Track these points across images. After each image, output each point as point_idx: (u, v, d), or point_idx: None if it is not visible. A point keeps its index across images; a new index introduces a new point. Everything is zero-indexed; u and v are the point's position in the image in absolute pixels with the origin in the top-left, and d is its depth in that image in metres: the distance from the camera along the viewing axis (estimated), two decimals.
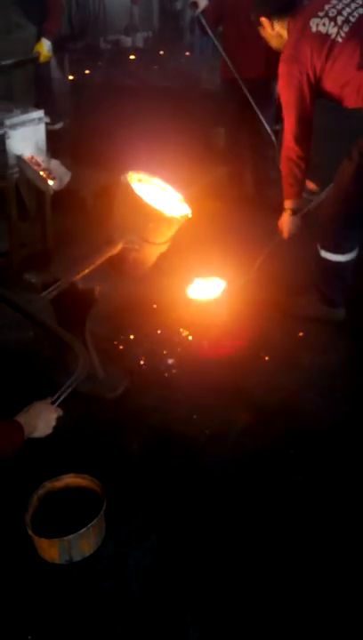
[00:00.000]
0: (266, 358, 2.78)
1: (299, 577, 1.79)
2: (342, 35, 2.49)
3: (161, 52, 11.00)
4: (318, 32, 2.52)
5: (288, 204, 2.94)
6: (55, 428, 1.73)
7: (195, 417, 2.43)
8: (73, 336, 2.11)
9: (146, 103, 7.27)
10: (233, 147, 4.30)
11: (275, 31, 2.71)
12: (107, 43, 10.79)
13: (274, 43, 2.78)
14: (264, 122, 3.82)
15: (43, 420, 1.66)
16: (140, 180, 2.79)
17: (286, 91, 2.65)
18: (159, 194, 2.78)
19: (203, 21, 3.62)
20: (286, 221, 2.98)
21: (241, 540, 1.91)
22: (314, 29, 2.53)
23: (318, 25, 2.52)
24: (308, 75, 2.57)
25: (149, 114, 6.62)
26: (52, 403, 1.76)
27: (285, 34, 2.68)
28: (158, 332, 2.95)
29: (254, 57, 3.81)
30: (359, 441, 2.30)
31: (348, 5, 2.53)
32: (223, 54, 3.74)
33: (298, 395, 2.55)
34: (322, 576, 1.79)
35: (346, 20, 2.50)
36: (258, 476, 2.14)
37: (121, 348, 2.85)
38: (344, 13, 2.51)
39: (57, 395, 1.78)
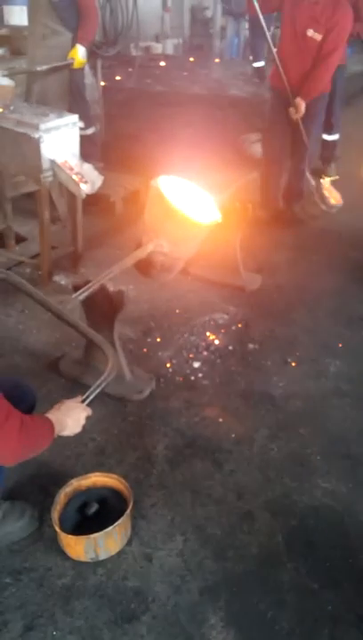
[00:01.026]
0: (292, 364, 2.78)
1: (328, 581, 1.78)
2: None
3: (191, 59, 11.08)
4: None
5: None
6: (84, 426, 1.75)
7: (221, 420, 2.43)
8: (103, 338, 2.14)
9: (175, 109, 7.35)
10: (272, 155, 4.21)
11: None
12: (138, 49, 10.91)
13: None
14: (305, 137, 3.88)
15: (73, 418, 1.68)
16: (170, 184, 2.82)
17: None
18: (190, 197, 2.80)
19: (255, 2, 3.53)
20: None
21: (266, 544, 1.90)
22: None
23: None
24: None
25: (179, 119, 6.69)
26: (82, 402, 1.78)
27: None
28: (185, 335, 2.96)
29: (307, 71, 3.75)
30: None
31: None
32: (277, 63, 3.70)
33: (325, 401, 2.53)
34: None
35: None
36: (284, 482, 2.13)
37: (148, 350, 2.87)
38: None
39: (87, 394, 1.81)
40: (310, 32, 3.57)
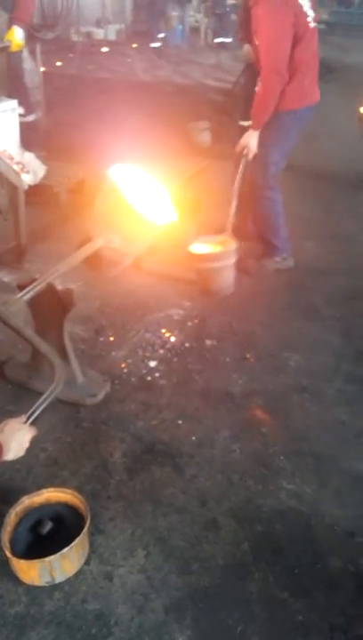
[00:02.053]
0: (251, 360, 2.70)
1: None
2: (310, 25, 2.92)
3: (134, 46, 10.84)
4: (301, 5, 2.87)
5: (258, 126, 3.09)
6: (27, 449, 1.62)
7: (180, 422, 2.33)
8: (49, 346, 1.97)
9: (119, 96, 7.14)
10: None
11: None
12: (78, 35, 10.58)
13: None
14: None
15: (17, 441, 1.56)
16: (123, 175, 2.67)
17: (273, 23, 2.86)
18: (144, 191, 2.66)
19: None
20: (253, 137, 3.11)
21: (232, 554, 1.82)
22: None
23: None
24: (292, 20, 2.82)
25: (123, 107, 6.50)
26: (26, 420, 1.64)
27: None
28: (140, 332, 2.83)
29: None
30: (351, 449, 2.23)
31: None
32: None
33: (286, 399, 2.47)
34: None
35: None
36: (248, 485, 2.05)
37: (101, 350, 2.72)
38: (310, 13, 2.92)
39: (31, 411, 1.67)
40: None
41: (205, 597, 1.70)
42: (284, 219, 3.38)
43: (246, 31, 4.47)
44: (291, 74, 2.95)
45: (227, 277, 3.15)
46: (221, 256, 3.10)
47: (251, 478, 2.08)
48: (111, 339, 2.80)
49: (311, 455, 2.19)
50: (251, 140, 3.12)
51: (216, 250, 3.14)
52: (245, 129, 3.34)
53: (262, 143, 3.12)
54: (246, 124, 3.61)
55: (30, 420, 1.66)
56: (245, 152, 3.16)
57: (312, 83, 3.14)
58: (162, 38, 10.71)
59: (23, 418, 1.65)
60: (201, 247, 3.16)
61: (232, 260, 3.10)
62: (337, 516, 1.95)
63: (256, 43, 3.01)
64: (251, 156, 3.16)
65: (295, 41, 2.89)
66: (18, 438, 1.57)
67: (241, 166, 3.21)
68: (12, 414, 1.80)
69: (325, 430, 2.30)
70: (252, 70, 4.15)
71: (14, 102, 2.90)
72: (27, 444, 1.61)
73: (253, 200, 3.31)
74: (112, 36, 11.27)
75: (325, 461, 2.16)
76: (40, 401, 1.70)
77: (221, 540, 1.85)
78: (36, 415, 1.68)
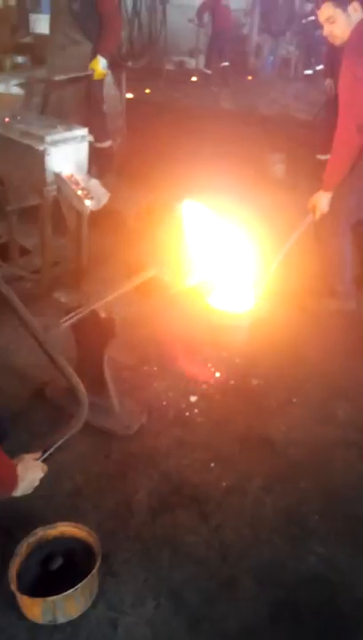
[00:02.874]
0: (298, 405, 2.55)
1: None
2: None
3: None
4: None
5: (329, 188, 2.92)
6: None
7: (212, 465, 2.22)
8: (78, 380, 1.95)
9: (201, 124, 7.22)
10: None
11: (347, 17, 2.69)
12: (171, 63, 10.89)
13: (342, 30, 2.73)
14: None
15: (28, 479, 1.54)
16: (193, 210, 2.67)
17: (353, 79, 2.68)
18: (207, 233, 2.64)
19: None
20: (323, 198, 2.95)
21: (247, 617, 1.68)
22: None
23: None
24: None
25: (204, 135, 6.55)
26: (40, 456, 1.63)
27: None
28: (184, 365, 2.77)
29: None
30: None
31: None
32: None
33: (331, 453, 2.30)
34: None
35: None
36: (275, 544, 1.91)
37: (143, 380, 2.68)
38: None
39: (44, 448, 1.65)
40: None
41: None
42: (351, 264, 3.21)
43: (330, 64, 4.42)
44: None
45: (238, 337, 2.86)
46: (237, 317, 2.83)
47: (280, 536, 1.94)
48: (155, 368, 2.76)
49: (349, 518, 2.02)
50: (321, 201, 2.96)
51: (235, 308, 2.86)
52: (322, 162, 3.22)
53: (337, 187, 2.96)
54: (323, 157, 3.49)
55: (44, 457, 1.64)
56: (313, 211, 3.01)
57: None
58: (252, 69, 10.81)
59: (37, 455, 1.63)
60: (221, 299, 2.88)
61: (246, 322, 2.83)
62: None
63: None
64: (318, 216, 3.00)
65: None
66: (30, 476, 1.55)
67: (303, 225, 3.04)
68: (45, 437, 1.80)
69: None
70: (333, 104, 4.05)
71: (85, 130, 2.95)
72: (37, 483, 1.59)
73: (318, 240, 3.16)
74: (202, 65, 11.51)
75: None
76: (56, 437, 1.68)
77: (238, 602, 1.73)
78: (50, 452, 1.65)
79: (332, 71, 4.84)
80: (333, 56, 4.78)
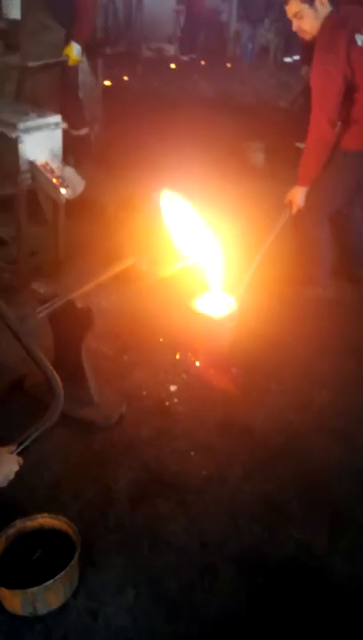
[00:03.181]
0: (277, 393, 2.56)
1: None
2: None
3: (202, 62, 10.91)
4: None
5: (304, 182, 2.93)
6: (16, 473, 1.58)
7: (192, 454, 2.23)
8: (53, 372, 1.92)
9: (180, 112, 7.15)
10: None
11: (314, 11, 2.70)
12: (149, 50, 10.75)
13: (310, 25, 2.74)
14: None
15: (3, 473, 1.53)
16: (171, 200, 2.64)
17: (325, 76, 2.69)
18: (185, 223, 2.62)
19: None
20: (299, 194, 2.95)
21: (227, 605, 1.70)
22: (360, 44, 2.66)
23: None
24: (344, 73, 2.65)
25: (182, 123, 6.50)
26: (15, 450, 1.61)
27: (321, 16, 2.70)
28: (163, 355, 2.76)
29: None
30: None
31: None
32: None
33: (309, 439, 2.32)
34: None
35: None
36: (254, 531, 1.92)
37: (123, 369, 2.67)
38: None
39: (20, 440, 1.63)
40: None
41: None
42: (331, 253, 3.22)
43: (307, 52, 4.40)
44: (355, 117, 2.80)
45: (222, 341, 2.79)
46: (222, 320, 2.77)
47: (259, 523, 1.95)
48: (135, 358, 2.74)
49: (327, 504, 2.04)
50: (297, 196, 2.96)
51: (219, 311, 2.78)
52: (301, 150, 3.21)
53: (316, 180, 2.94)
54: (302, 145, 3.46)
55: (19, 450, 1.63)
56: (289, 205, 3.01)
57: None
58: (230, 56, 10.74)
59: (13, 447, 1.61)
60: (204, 303, 2.81)
61: (229, 325, 2.78)
62: (347, 575, 1.79)
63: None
64: (294, 211, 3.00)
65: (357, 87, 2.73)
66: (5, 470, 1.54)
67: (280, 221, 3.03)
68: (23, 429, 1.78)
69: (345, 478, 2.14)
70: (310, 92, 4.03)
71: (58, 117, 2.90)
72: (12, 476, 1.57)
73: (297, 230, 3.16)
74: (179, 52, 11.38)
75: (341, 512, 2.00)
76: (32, 430, 1.67)
77: (217, 589, 1.74)
78: (26, 445, 1.64)
79: (308, 59, 4.81)
80: (308, 44, 4.76)
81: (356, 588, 1.76)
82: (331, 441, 2.30)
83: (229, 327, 2.77)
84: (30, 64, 3.82)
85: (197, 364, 2.73)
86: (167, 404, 2.48)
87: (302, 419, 2.41)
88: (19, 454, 1.66)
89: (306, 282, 3.27)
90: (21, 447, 1.64)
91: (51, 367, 1.93)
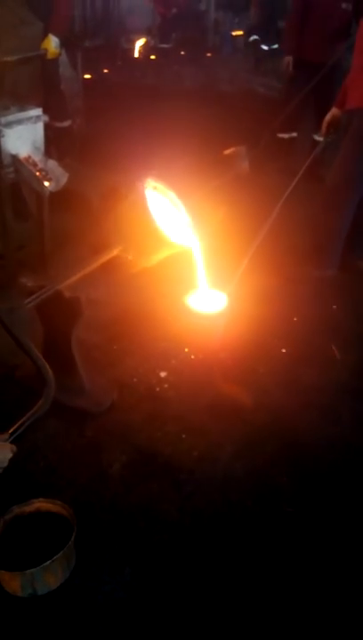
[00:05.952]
0: (264, 374, 2.61)
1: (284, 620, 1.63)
2: None
3: (182, 53, 10.88)
4: None
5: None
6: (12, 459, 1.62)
7: (184, 436, 2.28)
8: (44, 362, 1.96)
9: (163, 103, 7.16)
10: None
11: None
12: (129, 42, 10.70)
13: None
14: None
15: None
16: (154, 189, 2.66)
17: None
18: (170, 210, 2.64)
19: None
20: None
21: (222, 578, 1.75)
22: None
23: None
24: None
25: (165, 114, 6.50)
26: (8, 437, 1.64)
27: None
28: (155, 341, 2.80)
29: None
30: (359, 474, 2.11)
31: None
32: None
33: (296, 415, 2.37)
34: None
35: None
36: (246, 505, 1.98)
37: (113, 357, 2.70)
38: None
39: (13, 428, 1.66)
40: None
41: (186, 628, 1.64)
42: (346, 228, 3.24)
43: (291, 41, 4.27)
44: None
45: (214, 336, 2.79)
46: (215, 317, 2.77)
47: (250, 499, 2.00)
48: (125, 347, 2.78)
49: (316, 476, 2.10)
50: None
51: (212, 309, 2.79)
52: (285, 140, 3.31)
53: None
54: (285, 136, 3.52)
55: (12, 438, 1.66)
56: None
57: None
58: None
59: (6, 435, 1.65)
60: (198, 300, 2.81)
61: (221, 321, 2.77)
62: (338, 543, 1.85)
63: None
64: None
65: None
66: None
67: (319, 147, 3.23)
68: (15, 419, 1.81)
69: (331, 450, 2.20)
70: (292, 82, 4.05)
71: (39, 110, 2.92)
72: (6, 464, 1.60)
73: (327, 188, 3.18)
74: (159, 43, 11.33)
75: (329, 484, 2.06)
76: (24, 418, 1.70)
77: (212, 565, 1.79)
78: (19, 433, 1.67)
79: (292, 49, 4.78)
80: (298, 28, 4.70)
81: (347, 555, 1.82)
82: (316, 416, 2.36)
83: (220, 324, 2.82)
84: (8, 58, 3.81)
85: (187, 350, 2.77)
86: (158, 389, 2.52)
87: (289, 397, 2.47)
88: (12, 442, 1.69)
89: (311, 261, 3.29)
90: (14, 435, 1.67)
91: (41, 357, 1.96)
